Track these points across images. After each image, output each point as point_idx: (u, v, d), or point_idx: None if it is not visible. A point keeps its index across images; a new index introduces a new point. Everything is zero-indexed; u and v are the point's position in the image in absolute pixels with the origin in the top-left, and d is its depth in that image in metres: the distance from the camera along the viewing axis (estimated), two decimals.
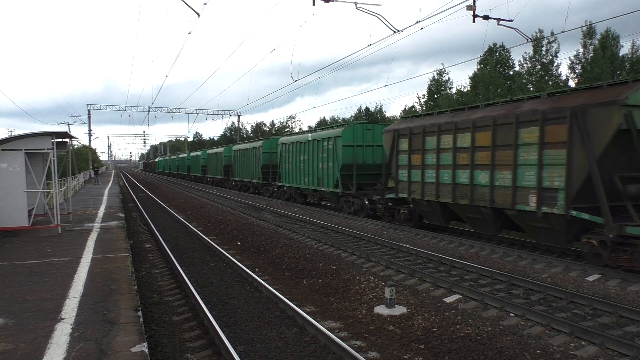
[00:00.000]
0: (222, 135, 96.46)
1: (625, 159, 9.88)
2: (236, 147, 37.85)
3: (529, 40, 17.21)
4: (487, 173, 12.30)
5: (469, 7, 14.70)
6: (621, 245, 9.47)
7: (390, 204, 17.10)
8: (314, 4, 15.14)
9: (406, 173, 15.67)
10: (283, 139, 27.63)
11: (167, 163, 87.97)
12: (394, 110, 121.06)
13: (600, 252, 9.89)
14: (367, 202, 18.96)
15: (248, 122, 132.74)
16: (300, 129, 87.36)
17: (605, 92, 9.99)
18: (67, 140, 15.41)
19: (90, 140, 64.18)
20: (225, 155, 41.20)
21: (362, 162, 20.36)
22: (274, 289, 8.87)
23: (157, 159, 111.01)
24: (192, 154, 61.46)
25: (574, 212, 10.15)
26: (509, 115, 11.71)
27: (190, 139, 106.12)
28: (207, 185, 47.74)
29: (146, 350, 5.01)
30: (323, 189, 22.14)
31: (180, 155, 73.74)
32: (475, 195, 12.81)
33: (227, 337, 6.32)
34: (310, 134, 24.26)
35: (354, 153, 20.26)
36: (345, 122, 71.13)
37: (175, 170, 74.94)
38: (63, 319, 5.99)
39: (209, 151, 49.76)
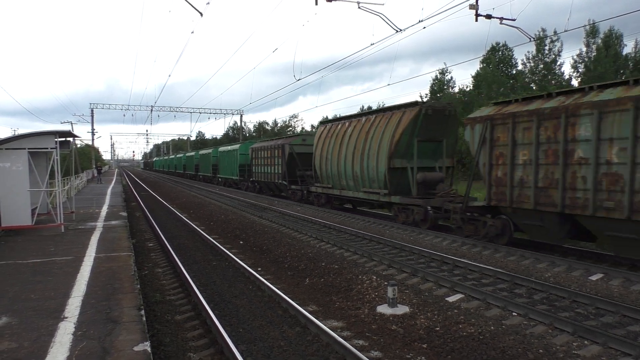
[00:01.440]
0: (224, 134, 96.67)
1: (297, 164, 25.90)
2: (202, 152, 56.49)
3: (532, 39, 17.17)
4: (270, 168, 29.25)
5: (471, 6, 14.69)
6: (296, 191, 26.05)
7: (256, 184, 33.31)
8: (316, 4, 15.16)
9: (254, 169, 32.43)
10: (221, 149, 45.15)
11: (161, 163, 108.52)
12: None
13: (289, 195, 27.11)
14: (249, 184, 34.84)
15: (251, 121, 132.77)
16: (302, 128, 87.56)
17: (288, 139, 27.86)
18: (70, 139, 15.44)
19: (93, 140, 64.41)
20: (195, 157, 58.85)
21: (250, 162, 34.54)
22: (276, 288, 8.88)
23: (154, 159, 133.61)
24: (177, 155, 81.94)
25: (284, 182, 27.06)
26: (273, 145, 28.39)
27: (193, 137, 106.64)
28: (208, 184, 48.47)
29: (149, 349, 5.03)
30: (234, 178, 39.07)
31: (170, 157, 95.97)
32: (268, 177, 29.79)
33: (229, 336, 6.33)
34: (229, 147, 41.73)
35: (246, 158, 35.80)
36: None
37: (167, 168, 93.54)
38: (66, 317, 6.01)
39: (187, 154, 69.47)
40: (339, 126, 21.12)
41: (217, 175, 45.51)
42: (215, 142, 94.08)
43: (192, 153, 64.03)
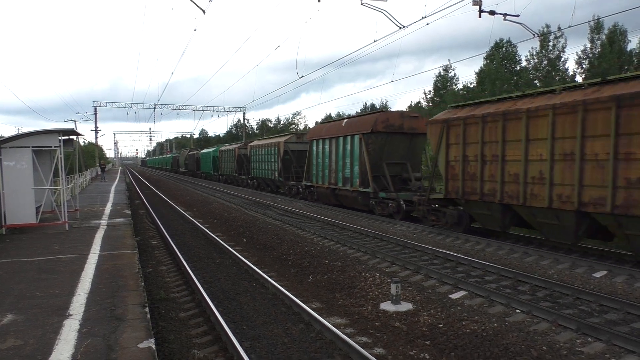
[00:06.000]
0: (227, 132, 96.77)
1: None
2: (189, 153, 67.47)
3: (536, 35, 17.08)
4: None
5: (475, 2, 14.62)
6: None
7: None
8: (319, 0, 15.12)
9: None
10: (203, 151, 56.77)
11: (151, 161, 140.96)
12: (400, 105, 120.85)
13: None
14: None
15: (253, 118, 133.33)
16: (306, 125, 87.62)
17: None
18: (74, 137, 15.49)
19: (96, 138, 64.65)
20: (171, 157, 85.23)
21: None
22: (280, 285, 8.90)
23: (147, 158, 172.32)
24: (162, 157, 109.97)
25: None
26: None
27: (197, 135, 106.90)
28: (211, 182, 48.58)
29: (153, 347, 5.05)
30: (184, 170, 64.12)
31: (160, 157, 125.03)
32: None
33: (233, 334, 6.35)
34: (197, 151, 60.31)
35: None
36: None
37: (156, 165, 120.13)
38: (71, 315, 6.04)
39: (169, 156, 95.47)
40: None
41: (197, 172, 59.88)
42: (218, 140, 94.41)
43: (177, 154, 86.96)
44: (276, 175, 29.62)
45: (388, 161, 18.09)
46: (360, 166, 18.69)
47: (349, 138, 19.52)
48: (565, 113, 10.39)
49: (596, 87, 10.27)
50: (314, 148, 22.96)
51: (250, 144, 36.51)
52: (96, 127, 62.59)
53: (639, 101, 9.01)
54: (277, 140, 29.77)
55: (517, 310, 7.52)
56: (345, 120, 21.02)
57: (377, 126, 17.90)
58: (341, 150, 20.13)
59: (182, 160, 71.36)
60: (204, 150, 56.20)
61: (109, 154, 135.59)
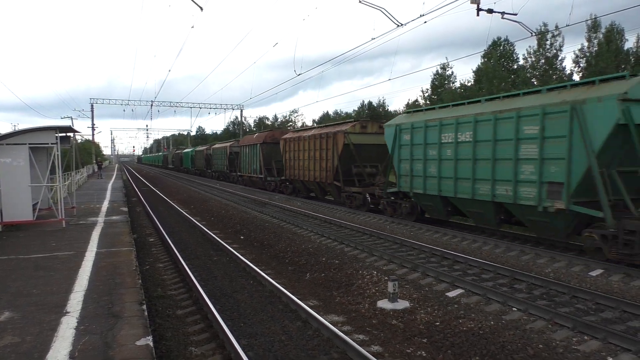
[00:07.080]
0: (225, 129, 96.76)
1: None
2: (175, 152, 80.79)
3: (534, 33, 17.11)
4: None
5: (473, 1, 14.63)
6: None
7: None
8: None
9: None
10: (185, 151, 66.75)
11: (146, 158, 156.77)
12: (397, 104, 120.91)
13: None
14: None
15: (251, 116, 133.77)
16: (303, 123, 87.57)
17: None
18: (71, 134, 15.45)
19: (93, 135, 64.47)
20: (163, 155, 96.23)
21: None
22: (277, 282, 8.91)
23: (142, 155, 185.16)
24: (159, 154, 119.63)
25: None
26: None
27: (194, 133, 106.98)
28: (206, 179, 48.64)
29: (151, 344, 5.06)
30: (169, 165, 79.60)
31: (154, 155, 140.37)
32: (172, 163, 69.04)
33: (230, 331, 6.36)
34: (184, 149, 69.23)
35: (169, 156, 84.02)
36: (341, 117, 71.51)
37: (150, 162, 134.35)
38: (68, 312, 6.04)
39: (160, 154, 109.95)
40: None
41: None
42: (215, 138, 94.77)
43: (167, 153, 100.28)
44: (225, 169, 42.76)
45: (275, 159, 29.32)
46: (259, 162, 30.77)
47: (255, 145, 31.51)
48: (312, 139, 22.85)
49: (319, 128, 24.23)
50: (243, 151, 34.99)
51: (213, 146, 49.24)
52: (93, 124, 62.45)
53: (325, 136, 21.85)
54: (226, 145, 43.27)
55: (514, 309, 7.55)
56: (256, 135, 34.15)
57: (266, 139, 29.99)
58: (252, 152, 32.15)
59: (170, 158, 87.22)
60: (185, 150, 71.17)
61: (106, 151, 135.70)
